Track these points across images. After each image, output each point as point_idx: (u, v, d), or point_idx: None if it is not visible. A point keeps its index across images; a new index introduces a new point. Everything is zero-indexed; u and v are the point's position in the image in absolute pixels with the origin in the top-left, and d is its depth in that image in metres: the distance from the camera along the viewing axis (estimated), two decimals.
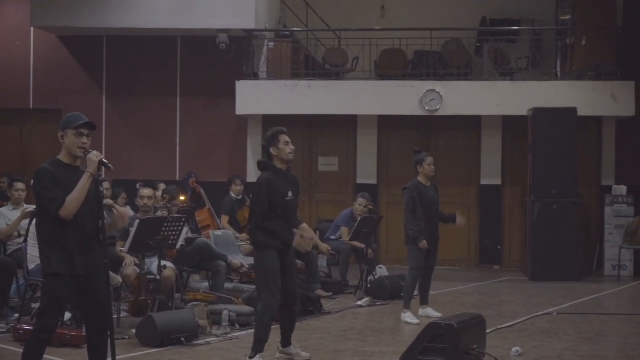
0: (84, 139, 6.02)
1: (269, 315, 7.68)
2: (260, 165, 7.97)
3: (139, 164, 17.13)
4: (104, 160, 5.99)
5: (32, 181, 6.10)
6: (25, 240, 9.48)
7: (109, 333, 6.11)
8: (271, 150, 7.82)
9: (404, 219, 10.51)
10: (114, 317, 9.44)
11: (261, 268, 7.75)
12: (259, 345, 7.71)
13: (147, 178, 15.41)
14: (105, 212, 9.16)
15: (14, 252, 10.37)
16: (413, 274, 10.39)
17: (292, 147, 7.85)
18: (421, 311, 10.66)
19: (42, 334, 6.01)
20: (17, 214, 10.46)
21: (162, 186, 12.91)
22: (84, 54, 17.54)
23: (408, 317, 10.29)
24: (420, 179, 10.40)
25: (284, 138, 7.82)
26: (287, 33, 17.08)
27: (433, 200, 10.41)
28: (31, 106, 17.37)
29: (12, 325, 9.16)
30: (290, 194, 7.84)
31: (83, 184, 5.93)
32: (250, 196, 8.59)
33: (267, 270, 7.67)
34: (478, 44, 17.19)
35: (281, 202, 7.72)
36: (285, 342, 8.13)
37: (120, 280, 9.46)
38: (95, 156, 5.97)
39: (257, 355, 7.67)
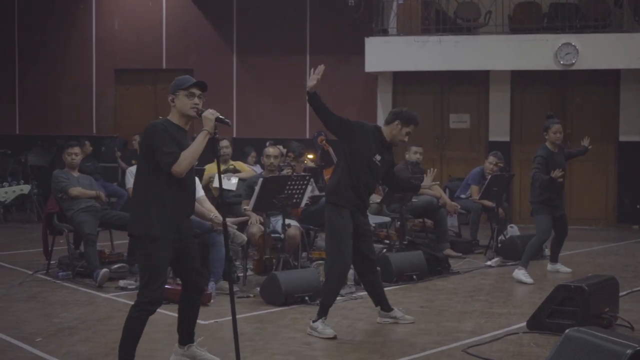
0: (196, 100, 5.83)
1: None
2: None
3: (269, 123, 17.22)
4: (221, 117, 5.76)
5: (143, 136, 5.90)
6: None
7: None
8: (392, 125, 7.54)
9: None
10: (240, 274, 9.66)
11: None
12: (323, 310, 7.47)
13: (277, 136, 15.47)
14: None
15: None
16: (541, 237, 10.32)
17: (406, 139, 7.62)
18: (550, 266, 10.77)
19: (152, 306, 5.75)
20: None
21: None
22: (214, 13, 17.70)
23: (522, 274, 10.08)
24: (548, 144, 10.27)
25: (408, 128, 7.54)
26: None
27: (560, 165, 10.13)
28: (164, 66, 17.64)
29: None
30: (378, 156, 7.46)
31: (199, 141, 5.71)
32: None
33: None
34: None
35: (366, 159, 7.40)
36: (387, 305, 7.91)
37: (245, 238, 9.46)
38: (210, 114, 5.73)
39: (320, 320, 7.40)
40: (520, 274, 10.08)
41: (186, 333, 6.25)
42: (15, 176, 15.88)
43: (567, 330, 5.52)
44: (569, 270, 10.65)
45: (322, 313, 7.42)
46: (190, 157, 5.70)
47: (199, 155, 5.78)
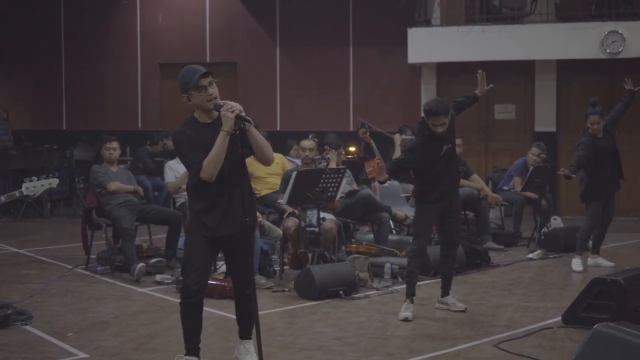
0: (209, 90, 5.58)
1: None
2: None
3: (312, 115, 17.16)
4: (241, 114, 5.44)
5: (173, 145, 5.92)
6: None
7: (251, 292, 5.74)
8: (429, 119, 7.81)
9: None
10: (277, 269, 9.63)
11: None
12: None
13: (320, 129, 15.37)
14: None
15: (182, 204, 10.53)
16: (589, 223, 10.26)
17: (438, 129, 7.72)
18: (591, 260, 10.47)
19: (186, 295, 5.74)
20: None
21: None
22: (257, 6, 17.70)
23: (574, 263, 10.24)
24: (591, 130, 10.22)
25: (435, 120, 7.73)
26: None
27: (605, 150, 10.08)
28: (208, 60, 17.64)
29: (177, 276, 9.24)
30: (445, 146, 7.84)
31: (219, 145, 5.49)
32: None
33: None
34: None
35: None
36: (444, 291, 8.18)
37: (281, 232, 9.43)
38: (230, 111, 5.44)
39: (407, 301, 7.83)
40: (573, 263, 10.26)
41: (240, 328, 6.15)
42: (61, 171, 16.02)
43: (595, 326, 5.39)
44: (611, 264, 10.37)
45: (409, 293, 7.83)
46: (213, 163, 5.52)
47: (223, 156, 5.54)
